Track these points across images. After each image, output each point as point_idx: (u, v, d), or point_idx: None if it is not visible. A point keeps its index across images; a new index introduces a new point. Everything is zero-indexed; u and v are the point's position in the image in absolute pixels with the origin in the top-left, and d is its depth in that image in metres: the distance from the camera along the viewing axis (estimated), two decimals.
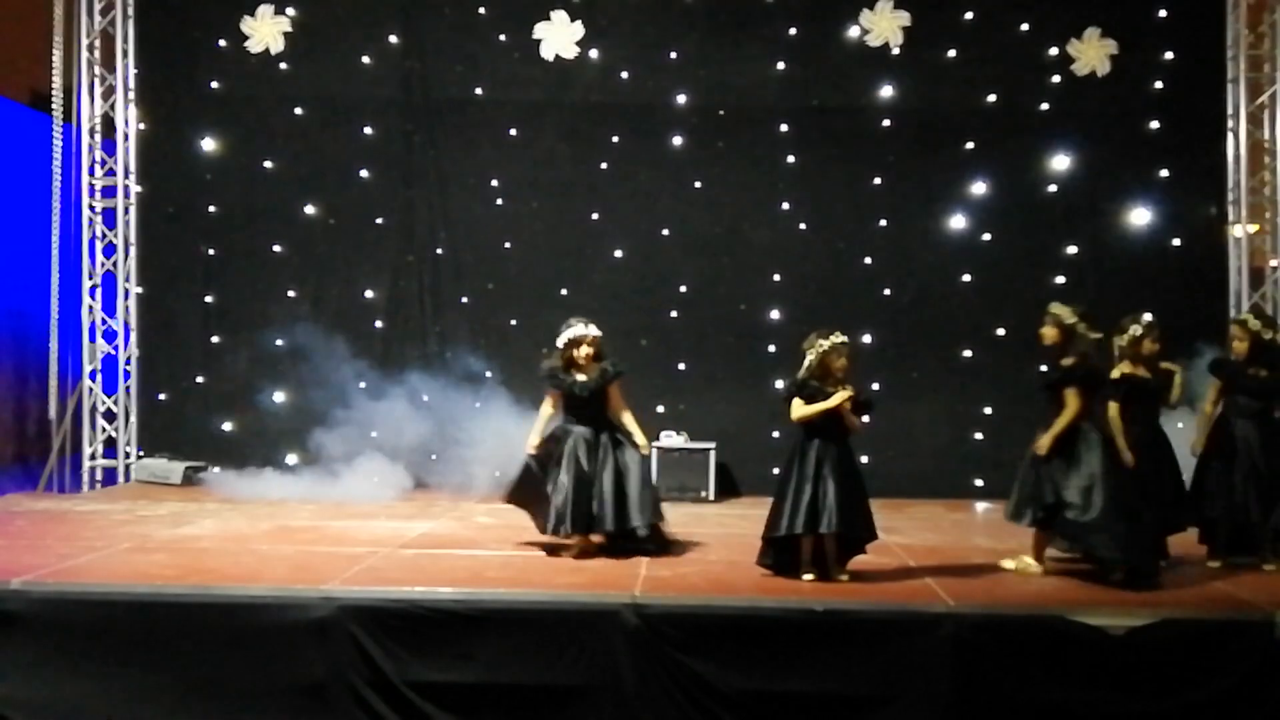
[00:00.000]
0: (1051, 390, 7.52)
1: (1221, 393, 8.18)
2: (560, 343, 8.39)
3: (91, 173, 12.04)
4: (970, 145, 11.95)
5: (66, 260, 11.86)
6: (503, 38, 12.12)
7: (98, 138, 12.08)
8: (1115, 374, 8.04)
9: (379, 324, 12.21)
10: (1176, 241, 11.83)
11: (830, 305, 11.03)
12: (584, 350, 8.35)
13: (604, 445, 8.29)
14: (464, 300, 12.15)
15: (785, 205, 12.09)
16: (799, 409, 7.43)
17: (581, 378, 8.35)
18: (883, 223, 12.03)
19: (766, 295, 11.99)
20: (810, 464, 7.37)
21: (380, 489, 10.82)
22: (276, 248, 12.21)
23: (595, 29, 12.06)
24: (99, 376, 12.02)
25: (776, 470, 10.93)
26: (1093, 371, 7.56)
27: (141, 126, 12.21)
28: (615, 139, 12.14)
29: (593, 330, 8.41)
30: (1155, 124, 11.89)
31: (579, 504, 8.13)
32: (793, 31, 12.02)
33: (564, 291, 11.77)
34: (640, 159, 12.15)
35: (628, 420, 8.44)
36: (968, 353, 11.92)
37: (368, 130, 12.21)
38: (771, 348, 11.69)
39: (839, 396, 7.39)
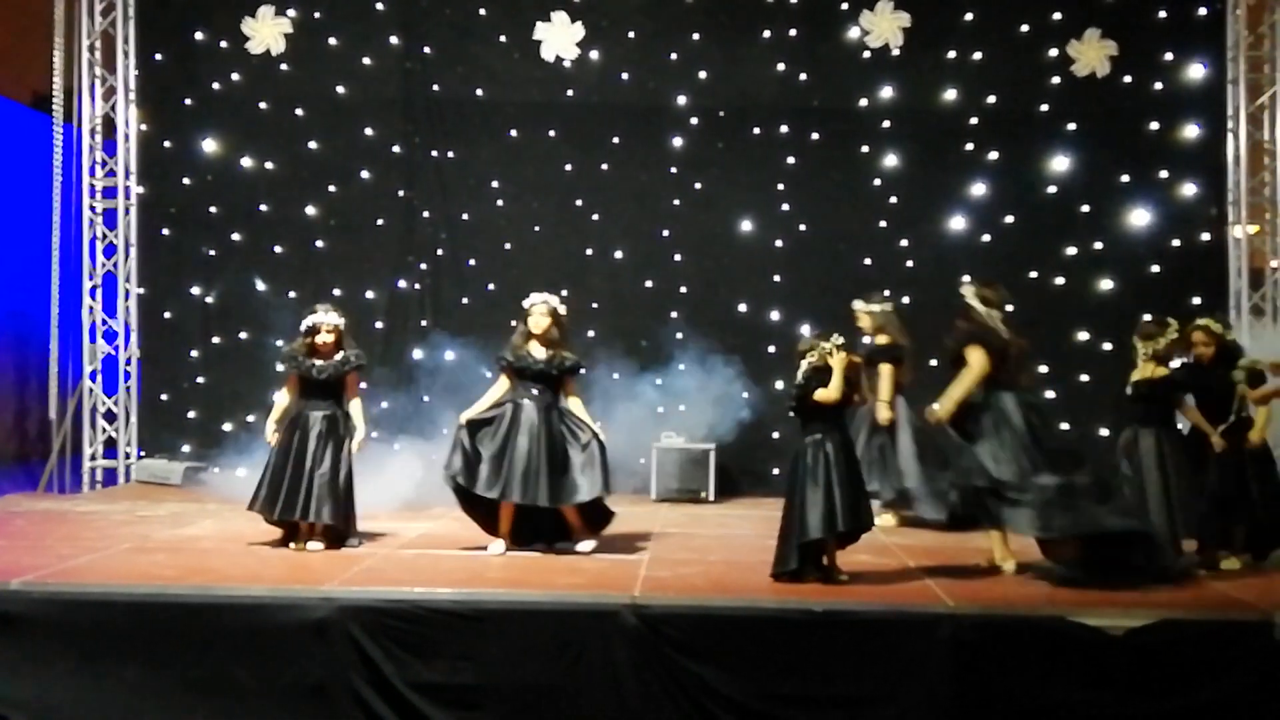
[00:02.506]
0: None
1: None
2: (302, 328, 8.50)
3: (92, 173, 12.05)
4: (970, 146, 11.95)
5: (67, 261, 11.87)
6: (503, 38, 12.14)
7: (98, 138, 12.09)
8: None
9: (379, 325, 12.22)
10: (1176, 242, 11.83)
11: (830, 306, 11.01)
12: (323, 337, 8.44)
13: (329, 432, 8.41)
14: (465, 301, 12.16)
15: (785, 206, 12.10)
16: (824, 394, 7.42)
17: (319, 363, 8.45)
18: (882, 224, 12.03)
19: (766, 296, 12.00)
20: (821, 464, 7.35)
21: (380, 490, 10.81)
22: (277, 249, 12.22)
23: (596, 30, 12.07)
24: (99, 377, 12.03)
25: (776, 471, 11.07)
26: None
27: (142, 127, 12.23)
28: (616, 140, 12.15)
29: (332, 318, 8.51)
30: (1155, 125, 11.89)
31: (275, 486, 8.30)
32: (793, 32, 12.03)
33: (564, 292, 11.59)
34: (641, 160, 12.16)
35: (355, 409, 8.56)
36: None
37: (368, 131, 12.22)
38: (771, 348, 11.69)
39: (839, 360, 7.45)
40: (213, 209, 12.24)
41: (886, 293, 10.60)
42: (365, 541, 8.60)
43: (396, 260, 12.26)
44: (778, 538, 7.47)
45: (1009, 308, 8.21)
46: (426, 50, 12.21)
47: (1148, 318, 8.29)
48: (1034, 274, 11.85)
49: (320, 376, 8.48)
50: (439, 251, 12.24)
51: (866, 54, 12.00)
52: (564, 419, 8.39)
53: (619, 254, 12.16)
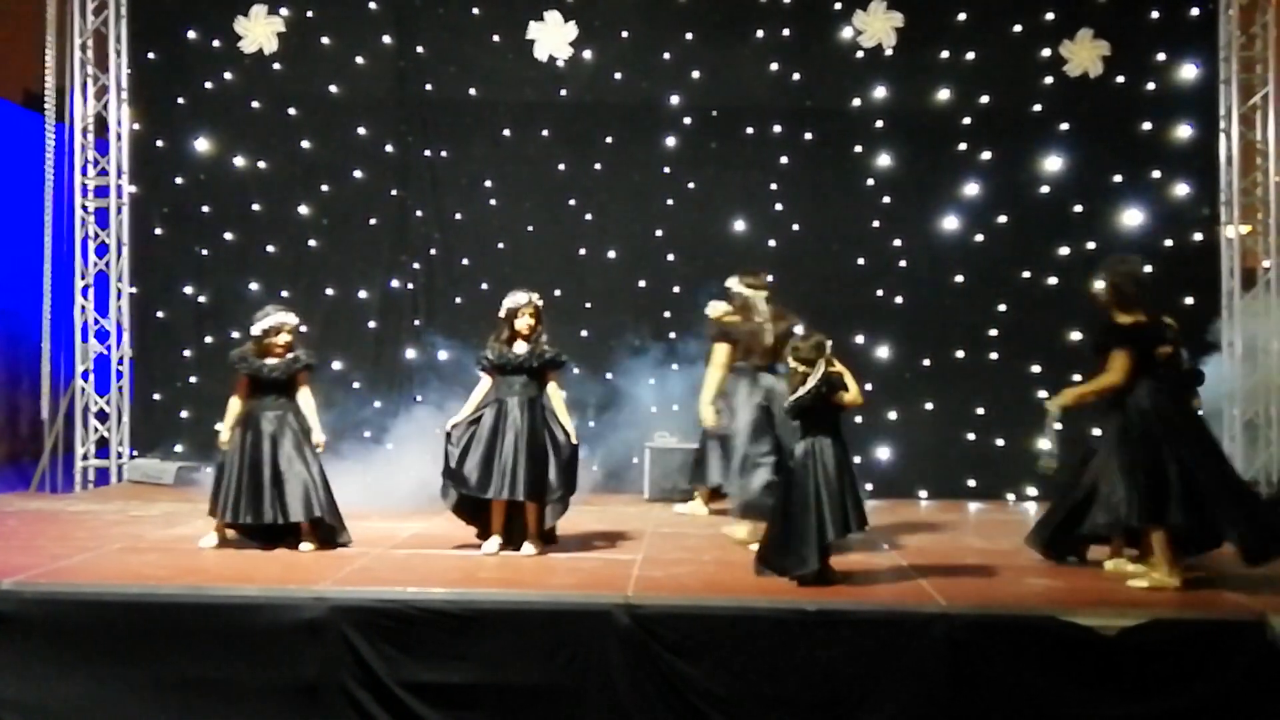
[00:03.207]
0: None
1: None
2: (257, 331, 8.53)
3: (84, 172, 12.02)
4: (963, 146, 11.96)
5: (59, 260, 11.84)
6: (496, 38, 12.12)
7: (90, 137, 12.07)
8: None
9: (372, 324, 12.22)
10: (1169, 242, 11.84)
11: (823, 306, 11.02)
12: (284, 338, 8.49)
13: (282, 433, 8.43)
14: (458, 301, 12.15)
15: (779, 206, 12.10)
16: (850, 398, 7.48)
17: (270, 362, 8.50)
18: (875, 224, 12.04)
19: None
20: (833, 465, 7.34)
21: (373, 490, 10.80)
22: (270, 248, 12.21)
23: (589, 29, 12.06)
24: (91, 376, 12.01)
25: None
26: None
27: (135, 126, 12.20)
28: (609, 140, 12.14)
29: (293, 319, 8.57)
30: (1147, 125, 11.91)
31: (238, 490, 8.30)
32: (786, 32, 12.02)
33: (558, 292, 11.73)
34: (634, 160, 12.16)
35: (308, 408, 8.59)
36: (960, 353, 11.94)
37: (361, 130, 12.20)
38: None
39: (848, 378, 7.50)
40: (205, 208, 12.22)
41: (879, 293, 10.66)
42: (351, 542, 8.56)
43: (389, 260, 12.25)
44: (788, 538, 7.40)
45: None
46: (419, 50, 12.20)
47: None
48: (1027, 274, 11.87)
49: (272, 376, 8.51)
50: (432, 251, 12.23)
51: (860, 54, 12.00)
52: (546, 415, 8.39)
53: (612, 254, 12.15)
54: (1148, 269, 8.33)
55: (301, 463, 8.41)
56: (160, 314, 12.30)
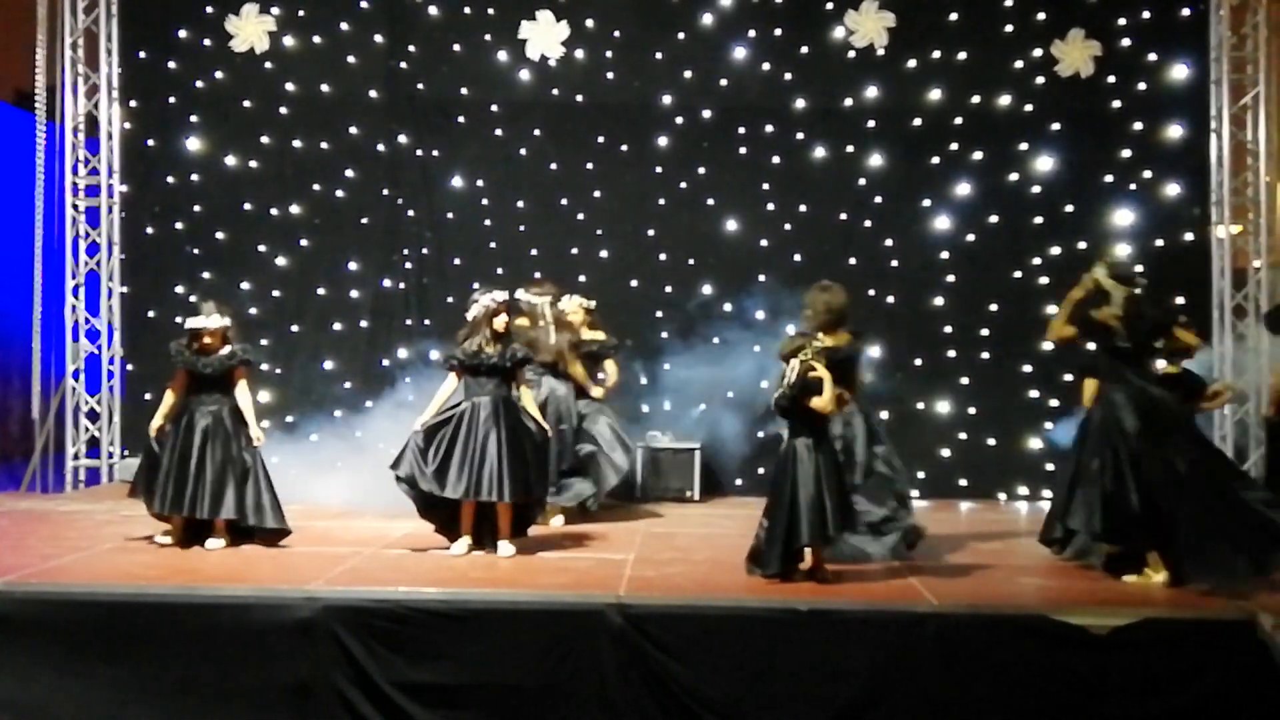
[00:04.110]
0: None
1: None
2: (188, 327, 8.66)
3: (75, 171, 11.99)
4: (954, 146, 11.97)
5: (50, 259, 11.81)
6: (488, 38, 12.11)
7: (81, 136, 12.03)
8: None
9: (364, 324, 12.19)
10: (1159, 242, 11.86)
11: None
12: (206, 340, 8.55)
13: (215, 429, 8.47)
14: (450, 300, 12.08)
15: (770, 206, 12.10)
16: (819, 403, 7.43)
17: (206, 357, 8.56)
18: (867, 223, 12.04)
19: (751, 296, 11.98)
20: (812, 467, 7.35)
21: (365, 490, 10.79)
22: (261, 247, 12.17)
23: (581, 29, 12.05)
24: (82, 376, 11.98)
25: (761, 470, 11.08)
26: None
27: (126, 125, 12.17)
28: (601, 139, 12.13)
29: (214, 321, 8.61)
30: (1138, 125, 11.92)
31: (165, 481, 8.35)
32: (778, 32, 12.03)
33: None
34: (626, 159, 12.14)
35: (244, 404, 8.62)
36: (951, 353, 11.94)
37: (353, 130, 12.17)
38: (756, 348, 11.66)
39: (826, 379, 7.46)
40: (197, 208, 12.18)
41: (871, 293, 10.69)
42: (287, 534, 8.60)
43: (381, 259, 12.23)
44: (763, 537, 7.46)
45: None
46: (411, 49, 12.18)
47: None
48: (1018, 274, 11.88)
49: (206, 371, 8.55)
50: (424, 250, 12.21)
51: (851, 54, 12.00)
52: (518, 414, 8.39)
53: (604, 253, 12.15)
54: (1138, 269, 8.36)
55: (230, 460, 8.43)
56: (151, 313, 12.25)
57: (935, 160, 11.97)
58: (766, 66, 12.07)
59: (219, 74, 12.15)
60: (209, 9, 12.10)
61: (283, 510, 8.61)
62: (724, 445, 11.59)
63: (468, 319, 8.57)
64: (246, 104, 12.18)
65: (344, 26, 12.14)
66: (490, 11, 12.10)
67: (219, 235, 12.21)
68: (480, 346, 8.42)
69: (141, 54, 12.21)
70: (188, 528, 8.44)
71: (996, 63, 11.96)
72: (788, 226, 12.08)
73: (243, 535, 8.50)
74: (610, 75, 12.13)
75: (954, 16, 11.94)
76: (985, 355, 11.91)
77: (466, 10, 12.10)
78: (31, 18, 11.61)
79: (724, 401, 11.58)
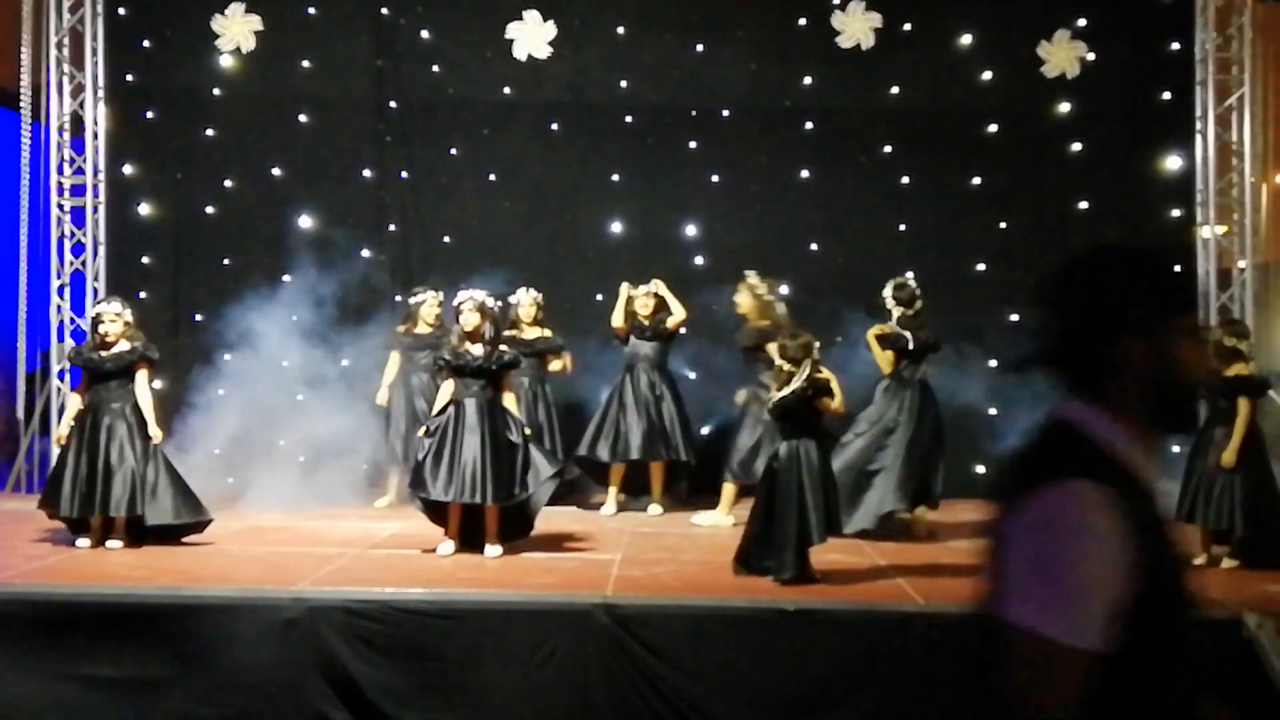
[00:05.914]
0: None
1: None
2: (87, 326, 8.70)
3: (60, 171, 11.94)
4: (944, 146, 11.98)
5: (34, 259, 11.77)
6: (475, 37, 12.09)
7: (66, 136, 11.98)
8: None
9: (352, 325, 12.16)
10: (1145, 243, 11.87)
11: (803, 306, 11.02)
12: (105, 328, 8.59)
13: (116, 425, 8.45)
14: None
15: (759, 206, 12.10)
16: (832, 404, 7.53)
17: (104, 354, 8.57)
18: (857, 224, 12.05)
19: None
20: (815, 468, 7.36)
21: (351, 490, 10.77)
22: (247, 248, 12.14)
23: (568, 29, 12.04)
24: (67, 376, 11.92)
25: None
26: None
27: (111, 125, 12.13)
28: (588, 140, 12.13)
29: (114, 308, 8.71)
30: (1124, 126, 11.95)
31: (72, 483, 8.28)
32: (766, 32, 12.04)
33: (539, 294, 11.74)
34: (613, 160, 12.14)
35: (144, 401, 8.60)
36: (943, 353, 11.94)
37: (339, 130, 12.15)
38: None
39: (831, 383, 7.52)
40: (182, 208, 12.13)
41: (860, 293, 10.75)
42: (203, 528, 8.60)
43: (367, 260, 12.16)
44: (770, 540, 7.42)
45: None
46: (398, 49, 12.16)
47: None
48: (1002, 276, 11.89)
49: (106, 367, 8.52)
50: (410, 251, 12.18)
51: (838, 52, 12.00)
52: (504, 416, 8.37)
53: (591, 254, 12.14)
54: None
55: (132, 457, 8.38)
56: (136, 314, 12.16)
57: (923, 161, 11.95)
58: (754, 66, 12.06)
59: (205, 74, 12.10)
60: (195, 9, 12.06)
61: (198, 501, 8.57)
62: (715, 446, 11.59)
63: (458, 320, 8.56)
64: (232, 104, 12.13)
65: (330, 26, 12.10)
66: (477, 11, 12.06)
67: (204, 236, 12.15)
68: (462, 347, 8.39)
69: (127, 53, 12.17)
70: (85, 527, 8.41)
71: (984, 63, 11.96)
72: (777, 226, 12.08)
73: (149, 535, 8.41)
74: (597, 75, 12.11)
75: (940, 18, 11.94)
76: (972, 356, 11.91)
77: (453, 10, 12.08)
78: (16, 17, 11.57)
79: (714, 402, 11.57)
